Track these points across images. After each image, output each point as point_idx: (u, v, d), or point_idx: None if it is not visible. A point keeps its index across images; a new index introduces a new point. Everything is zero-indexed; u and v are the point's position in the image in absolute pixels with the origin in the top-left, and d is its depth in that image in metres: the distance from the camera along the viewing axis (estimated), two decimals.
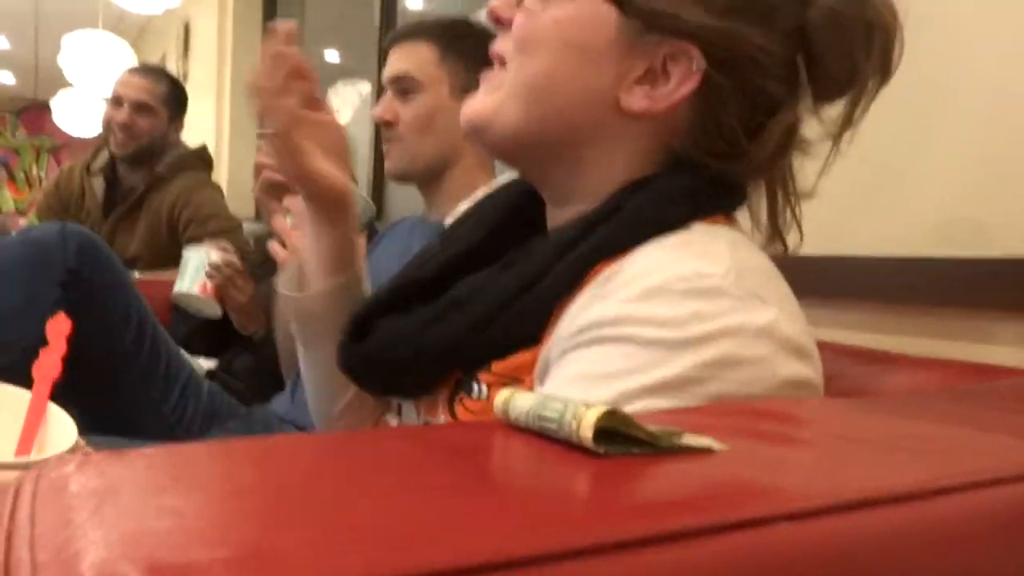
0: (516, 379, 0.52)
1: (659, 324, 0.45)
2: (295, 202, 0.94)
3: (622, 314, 0.46)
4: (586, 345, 0.46)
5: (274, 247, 0.96)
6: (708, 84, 0.53)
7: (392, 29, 2.65)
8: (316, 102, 0.64)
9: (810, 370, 0.48)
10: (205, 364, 1.54)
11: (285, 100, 0.62)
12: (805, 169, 0.59)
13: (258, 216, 3.29)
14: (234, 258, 1.51)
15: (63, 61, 4.12)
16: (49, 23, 6.34)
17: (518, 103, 0.56)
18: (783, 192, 0.58)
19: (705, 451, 0.31)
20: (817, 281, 0.91)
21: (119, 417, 1.10)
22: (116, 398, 1.11)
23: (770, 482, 0.30)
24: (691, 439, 0.31)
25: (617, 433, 0.29)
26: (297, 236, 0.94)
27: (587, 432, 0.28)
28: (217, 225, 1.99)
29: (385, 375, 0.58)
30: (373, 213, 1.48)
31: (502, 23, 0.58)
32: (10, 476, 0.51)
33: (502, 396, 0.32)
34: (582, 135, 0.55)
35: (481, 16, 0.61)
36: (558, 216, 0.58)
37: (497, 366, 0.53)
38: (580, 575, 0.21)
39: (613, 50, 0.54)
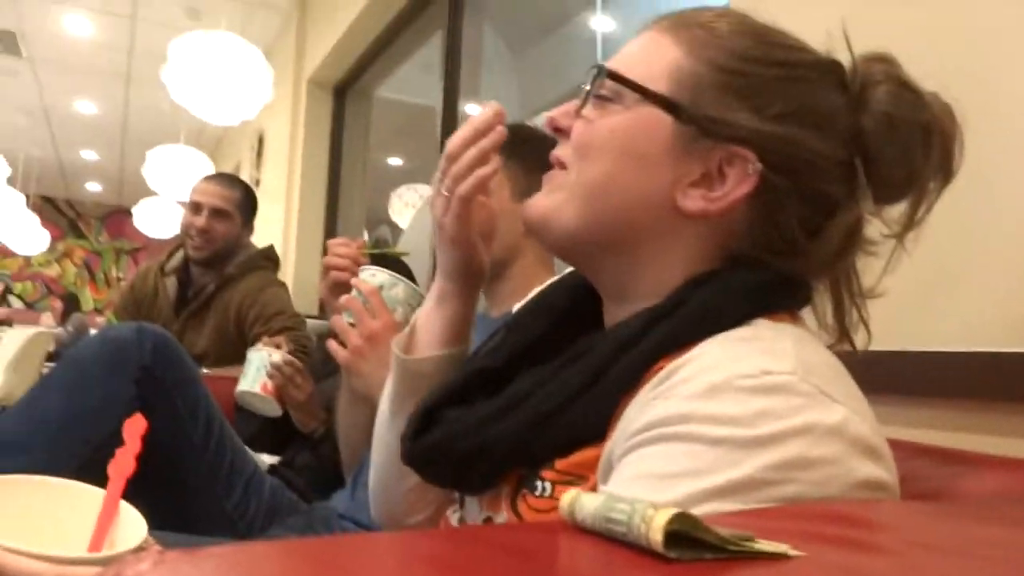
0: (580, 476, 0.52)
1: (725, 422, 0.44)
2: (353, 301, 0.97)
3: (686, 412, 0.45)
4: (650, 443, 0.45)
5: (332, 345, 0.99)
6: (765, 185, 0.54)
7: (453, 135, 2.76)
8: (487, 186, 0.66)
9: (883, 471, 0.46)
10: (267, 460, 1.56)
11: (474, 172, 0.64)
12: (870, 266, 0.58)
13: (322, 313, 3.38)
14: (294, 358, 1.55)
15: (147, 172, 4.41)
16: (135, 137, 6.82)
17: (577, 204, 0.57)
18: (847, 291, 0.58)
19: (780, 557, 0.30)
20: (886, 378, 0.88)
21: (183, 512, 1.11)
22: (182, 493, 1.12)
23: None
24: (764, 544, 0.30)
25: (687, 536, 0.28)
26: (355, 334, 0.96)
27: (657, 535, 0.27)
28: (282, 322, 2.05)
29: (447, 469, 0.58)
30: None
31: (561, 131, 0.60)
32: (87, 572, 0.53)
33: (567, 497, 0.32)
34: (639, 235, 0.56)
35: (538, 121, 0.64)
36: (616, 312, 0.59)
37: (560, 463, 0.52)
38: None
39: (669, 155, 0.55)
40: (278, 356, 1.53)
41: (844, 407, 0.46)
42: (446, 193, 0.65)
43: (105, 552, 0.60)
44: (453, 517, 0.67)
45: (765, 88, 0.55)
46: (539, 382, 0.54)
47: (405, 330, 0.72)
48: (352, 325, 0.96)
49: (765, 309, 0.52)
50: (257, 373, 1.52)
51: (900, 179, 0.56)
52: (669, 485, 0.43)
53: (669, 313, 0.52)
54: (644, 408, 0.47)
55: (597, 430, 0.51)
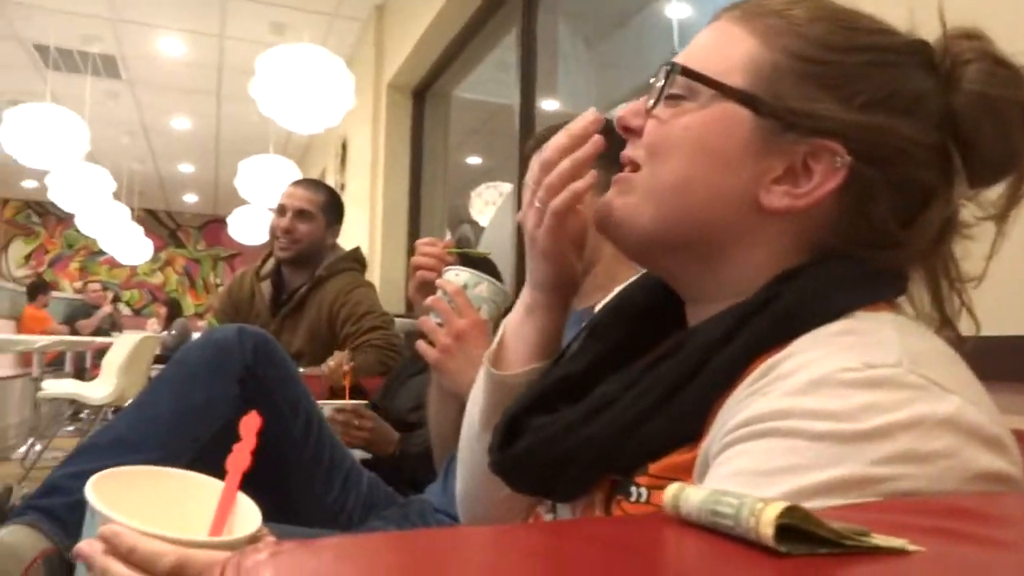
0: (674, 480, 0.50)
1: (829, 417, 0.42)
2: (439, 301, 0.98)
3: (786, 407, 0.43)
4: (748, 439, 0.44)
5: (422, 345, 1.00)
6: (854, 178, 0.51)
7: (531, 132, 2.78)
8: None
9: (1005, 462, 0.43)
10: (359, 454, 1.59)
11: (569, 186, 0.62)
12: (968, 250, 0.55)
13: (408, 312, 3.45)
14: (345, 403, 1.57)
15: (239, 183, 4.60)
16: (227, 149, 7.13)
17: (651, 206, 0.56)
18: (946, 278, 0.55)
19: (898, 552, 0.28)
20: (1003, 364, 0.83)
21: (286, 505, 1.16)
22: (285, 487, 1.17)
23: None
24: (880, 539, 0.29)
25: (798, 531, 0.28)
26: (443, 333, 0.97)
27: (767, 529, 0.26)
28: (371, 321, 2.11)
29: (537, 477, 0.57)
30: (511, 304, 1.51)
31: (632, 131, 0.59)
32: (207, 555, 0.56)
33: (672, 490, 0.32)
34: (720, 234, 0.54)
35: (615, 114, 0.62)
36: (699, 312, 0.57)
37: (654, 467, 0.51)
38: None
39: (748, 152, 0.53)
40: (328, 411, 1.54)
41: (958, 396, 0.43)
42: (539, 205, 0.63)
43: (225, 537, 0.63)
44: (547, 518, 0.67)
45: (849, 75, 0.52)
46: (626, 385, 0.52)
47: (494, 343, 0.71)
48: (440, 325, 0.98)
49: (861, 301, 0.50)
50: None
51: (998, 160, 0.52)
52: (769, 482, 0.41)
53: (760, 310, 0.50)
54: (740, 406, 0.46)
55: (691, 432, 0.49)
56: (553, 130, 1.17)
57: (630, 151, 0.59)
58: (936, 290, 0.55)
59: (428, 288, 1.07)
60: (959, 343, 0.53)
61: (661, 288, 0.61)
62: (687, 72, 0.55)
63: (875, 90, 0.52)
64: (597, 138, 0.61)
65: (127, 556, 0.55)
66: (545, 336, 0.68)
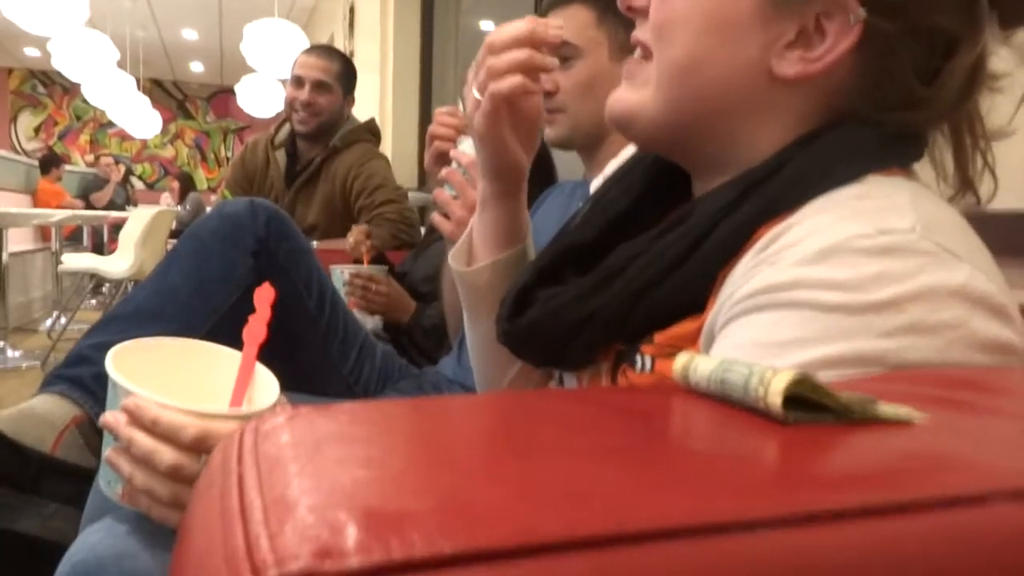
0: (679, 350, 0.51)
1: (839, 287, 0.41)
2: (454, 173, 0.97)
3: (795, 277, 0.43)
4: (756, 311, 0.44)
5: (436, 218, 1.00)
6: (871, 34, 0.48)
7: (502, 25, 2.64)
8: (537, 76, 0.61)
9: (1011, 332, 0.43)
10: (370, 323, 1.62)
11: (517, 74, 0.60)
12: (997, 107, 0.52)
13: (421, 185, 3.42)
14: (362, 266, 1.59)
15: (245, 49, 4.46)
16: (231, 11, 6.87)
17: (663, 94, 0.53)
18: (971, 136, 0.52)
19: (903, 422, 0.29)
20: (1014, 238, 0.82)
21: (303, 377, 1.19)
22: (301, 358, 1.20)
23: (979, 457, 0.28)
24: (887, 408, 0.29)
25: (806, 401, 0.28)
26: (458, 206, 0.97)
27: (775, 398, 0.27)
28: (385, 195, 2.10)
29: (545, 347, 0.58)
30: None
31: (637, 11, 0.56)
32: (228, 425, 0.58)
33: (682, 359, 0.32)
34: (733, 109, 0.52)
35: None
36: (709, 185, 0.55)
37: (659, 336, 0.51)
38: (774, 544, 0.20)
39: (758, 19, 0.50)
40: (346, 273, 1.56)
41: (968, 264, 0.43)
42: (477, 91, 0.61)
43: (245, 408, 0.65)
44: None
45: None
46: (633, 255, 0.52)
47: (461, 241, 0.70)
48: (455, 197, 0.97)
49: (875, 166, 0.48)
50: (341, 293, 1.56)
51: None
52: (777, 353, 0.42)
53: (769, 176, 0.49)
54: (748, 275, 0.45)
55: (696, 301, 0.49)
56: None
57: (639, 32, 0.56)
58: (959, 149, 0.53)
59: (445, 159, 1.05)
60: (977, 210, 0.51)
61: (668, 160, 0.60)
62: None
63: None
64: (554, 59, 0.60)
65: (150, 428, 0.57)
66: (502, 226, 0.68)
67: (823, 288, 0.42)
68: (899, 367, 0.41)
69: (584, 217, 0.62)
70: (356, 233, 1.72)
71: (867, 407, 0.29)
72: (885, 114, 0.50)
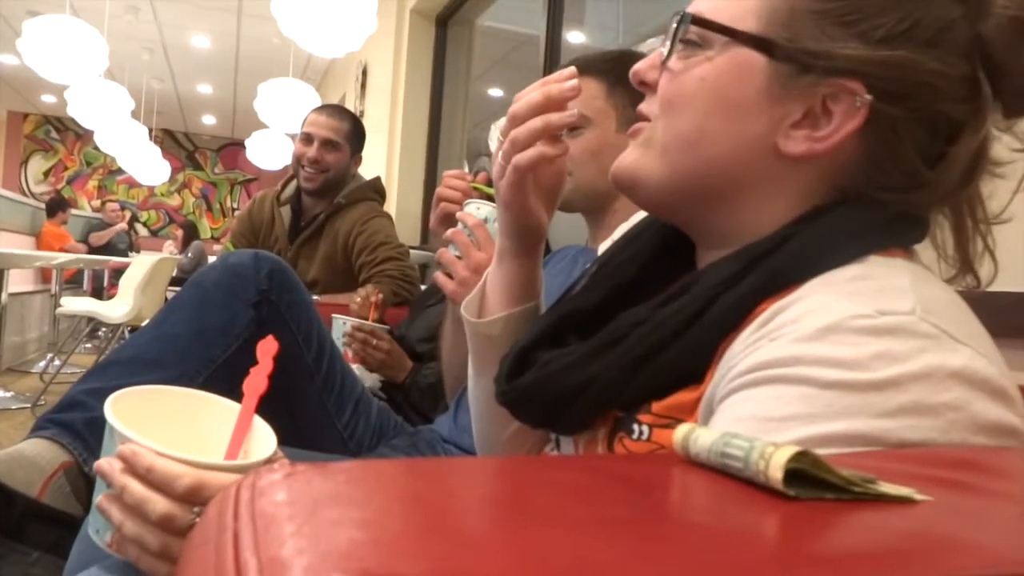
0: (677, 420, 0.50)
1: (840, 365, 0.41)
2: (459, 233, 0.98)
3: (796, 354, 0.43)
4: (756, 385, 0.44)
5: (440, 277, 1.01)
6: (876, 117, 0.49)
7: (555, 65, 2.72)
8: (559, 139, 0.62)
9: (1013, 415, 0.43)
10: (368, 380, 1.61)
11: (537, 143, 0.61)
12: (998, 191, 0.53)
13: (424, 243, 3.45)
14: (366, 321, 1.59)
15: (258, 105, 4.56)
16: (247, 70, 7.04)
17: (666, 159, 0.54)
18: (972, 218, 0.53)
19: (905, 501, 0.29)
20: (1014, 319, 0.83)
21: (299, 430, 1.18)
22: (297, 412, 1.19)
23: (978, 539, 0.28)
24: (888, 487, 0.29)
25: (807, 476, 0.28)
26: (462, 266, 0.97)
27: (776, 472, 0.27)
28: (387, 252, 2.11)
29: (543, 409, 0.58)
30: None
31: (648, 86, 0.57)
32: (223, 477, 0.57)
33: (682, 430, 0.32)
34: (739, 183, 0.53)
35: (643, 48, 0.60)
36: (712, 256, 0.56)
37: (657, 406, 0.51)
38: None
39: (765, 98, 0.51)
40: (349, 324, 1.56)
41: (968, 348, 0.43)
42: (501, 161, 0.63)
43: (241, 460, 0.65)
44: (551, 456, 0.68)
45: (866, 9, 0.49)
46: (635, 322, 0.52)
47: (474, 292, 0.71)
48: (459, 257, 0.98)
49: (876, 246, 0.49)
50: (338, 343, 1.56)
51: None
52: (777, 428, 0.41)
53: (772, 251, 0.49)
54: (748, 349, 0.45)
55: (696, 372, 0.49)
56: (581, 63, 1.15)
57: (645, 106, 0.57)
58: (960, 231, 0.53)
59: (450, 221, 1.07)
60: (976, 291, 0.52)
61: (673, 227, 0.61)
62: (698, 20, 0.53)
63: (895, 22, 0.49)
64: (573, 112, 0.61)
65: (144, 476, 0.57)
66: (515, 282, 0.69)
67: (824, 365, 0.42)
68: (900, 446, 0.40)
69: (589, 280, 0.63)
70: (363, 292, 1.73)
71: (868, 484, 0.29)
72: (888, 194, 0.51)
